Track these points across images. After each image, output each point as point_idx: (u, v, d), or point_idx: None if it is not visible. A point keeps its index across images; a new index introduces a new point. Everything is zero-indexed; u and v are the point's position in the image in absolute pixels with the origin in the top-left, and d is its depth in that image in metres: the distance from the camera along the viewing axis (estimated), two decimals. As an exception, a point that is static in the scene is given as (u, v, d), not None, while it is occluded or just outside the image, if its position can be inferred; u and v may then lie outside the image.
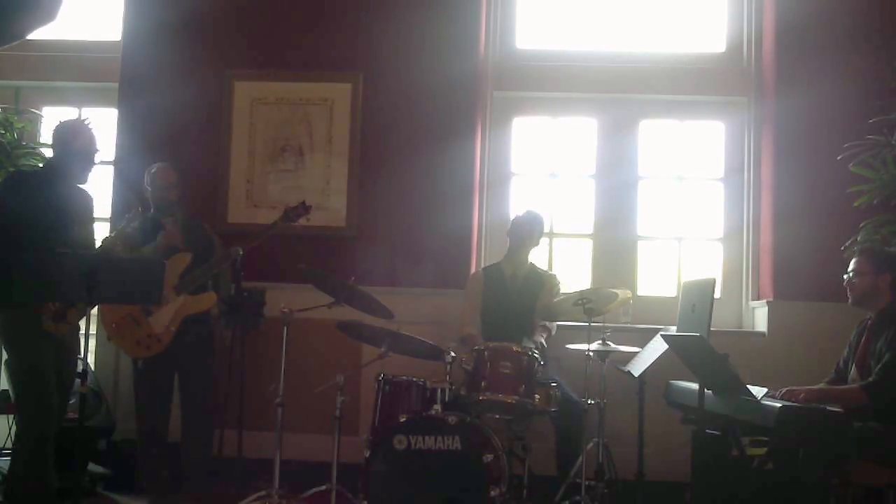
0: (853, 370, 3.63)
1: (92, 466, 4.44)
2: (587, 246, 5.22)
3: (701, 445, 3.63)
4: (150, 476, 4.22)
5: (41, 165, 4.59)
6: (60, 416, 3.78)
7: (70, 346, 3.80)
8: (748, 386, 3.36)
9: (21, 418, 3.73)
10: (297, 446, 4.48)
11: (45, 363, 3.68)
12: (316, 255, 4.85)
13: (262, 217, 4.83)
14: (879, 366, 3.41)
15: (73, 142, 3.83)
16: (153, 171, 4.42)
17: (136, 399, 4.31)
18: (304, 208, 4.34)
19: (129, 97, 5.16)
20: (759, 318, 4.88)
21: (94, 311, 3.89)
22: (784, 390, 3.50)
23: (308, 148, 5.04)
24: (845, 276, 3.73)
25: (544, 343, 4.33)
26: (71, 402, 3.90)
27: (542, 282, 4.54)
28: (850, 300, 3.72)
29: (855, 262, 3.71)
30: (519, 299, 4.43)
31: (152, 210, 4.30)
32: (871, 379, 3.41)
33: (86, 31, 5.51)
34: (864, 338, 3.65)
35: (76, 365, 3.78)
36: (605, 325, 4.09)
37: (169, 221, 4.30)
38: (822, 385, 3.75)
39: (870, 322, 3.66)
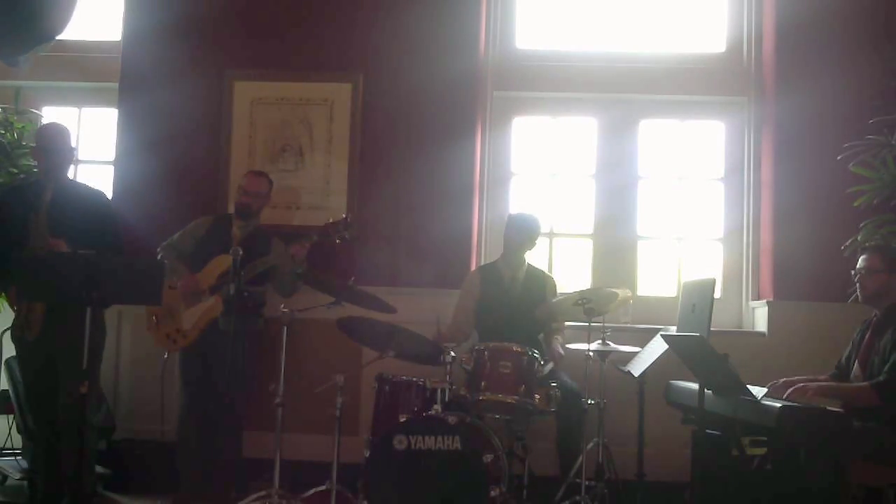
0: (856, 367, 3.62)
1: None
2: (587, 246, 5.22)
3: (701, 445, 3.63)
4: (186, 476, 4.21)
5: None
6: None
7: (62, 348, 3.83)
8: (748, 386, 3.36)
9: None
10: (297, 446, 4.48)
11: (27, 370, 3.95)
12: (316, 254, 4.85)
13: (262, 218, 4.81)
14: (888, 365, 3.38)
15: (37, 143, 3.99)
16: (248, 173, 4.54)
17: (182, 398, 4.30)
18: (344, 224, 4.19)
19: (129, 97, 5.16)
20: (759, 318, 4.88)
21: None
22: (791, 389, 3.47)
23: (308, 148, 5.04)
24: (855, 273, 3.70)
25: (562, 351, 4.26)
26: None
27: (543, 285, 4.53)
28: (860, 297, 3.69)
29: (867, 259, 3.66)
30: (520, 302, 4.40)
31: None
32: (880, 378, 3.38)
33: (86, 31, 5.50)
34: (867, 335, 3.64)
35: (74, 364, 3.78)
36: (605, 325, 4.09)
37: (237, 226, 4.38)
38: (829, 382, 3.74)
39: (874, 319, 3.65)
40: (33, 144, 4.13)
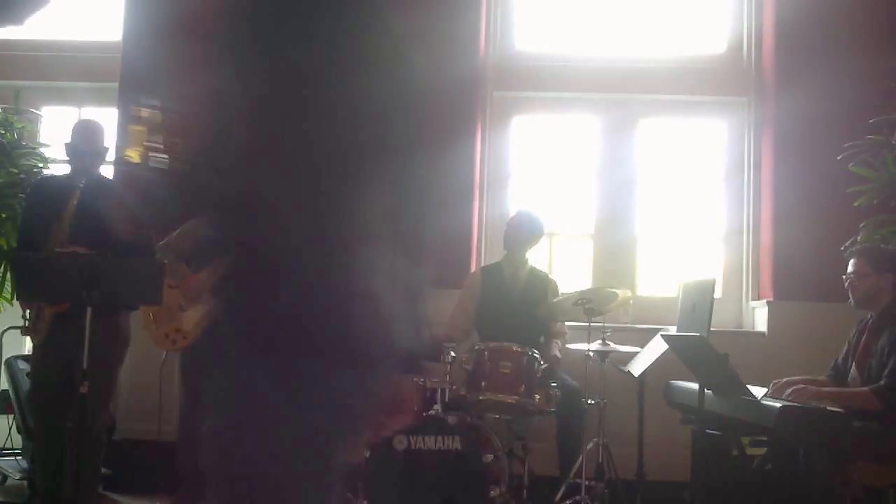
0: (853, 369, 3.63)
1: (92, 466, 4.45)
2: (587, 246, 5.22)
3: (701, 445, 3.63)
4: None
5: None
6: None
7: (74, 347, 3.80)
8: (748, 386, 3.36)
9: None
10: (297, 446, 4.47)
11: (39, 368, 3.85)
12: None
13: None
14: (888, 370, 3.38)
15: (71, 139, 3.89)
16: None
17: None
18: None
19: (129, 97, 5.16)
20: (759, 318, 4.87)
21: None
22: (790, 389, 3.47)
23: (308, 148, 5.03)
24: (846, 278, 3.71)
25: (559, 355, 4.28)
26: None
27: (545, 286, 4.52)
28: (853, 302, 3.70)
29: (854, 264, 3.68)
30: (521, 301, 4.40)
31: None
32: (881, 383, 3.38)
33: (86, 31, 5.50)
34: (864, 336, 3.64)
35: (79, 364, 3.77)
36: (605, 325, 4.09)
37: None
38: (824, 379, 3.74)
39: (870, 321, 3.65)
40: (40, 144, 4.04)
